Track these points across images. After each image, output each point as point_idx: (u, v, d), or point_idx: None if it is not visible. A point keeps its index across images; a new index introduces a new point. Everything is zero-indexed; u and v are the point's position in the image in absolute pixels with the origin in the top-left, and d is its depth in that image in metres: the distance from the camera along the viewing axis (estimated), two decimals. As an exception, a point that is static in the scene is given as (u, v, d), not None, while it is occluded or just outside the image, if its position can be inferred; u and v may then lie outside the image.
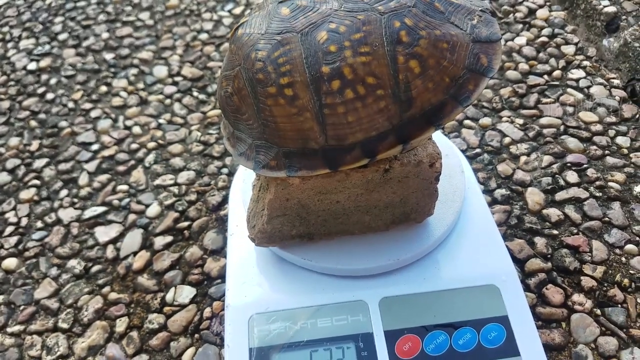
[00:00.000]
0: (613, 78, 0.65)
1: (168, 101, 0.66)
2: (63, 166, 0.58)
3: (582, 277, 0.44)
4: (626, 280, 0.44)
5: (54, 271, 0.48)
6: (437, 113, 0.31)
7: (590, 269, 0.45)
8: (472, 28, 0.32)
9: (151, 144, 0.60)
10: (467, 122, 0.60)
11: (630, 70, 0.65)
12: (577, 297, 0.43)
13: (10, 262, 0.49)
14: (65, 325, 0.44)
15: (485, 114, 0.61)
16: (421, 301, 0.39)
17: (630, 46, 0.65)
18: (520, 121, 0.60)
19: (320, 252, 0.40)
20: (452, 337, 0.37)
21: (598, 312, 0.42)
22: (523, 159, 0.55)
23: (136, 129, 0.62)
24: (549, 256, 0.46)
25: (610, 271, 0.45)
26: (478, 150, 0.57)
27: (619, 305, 0.42)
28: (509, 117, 0.61)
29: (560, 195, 0.51)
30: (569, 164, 0.54)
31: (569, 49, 0.69)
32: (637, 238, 0.47)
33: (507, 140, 0.58)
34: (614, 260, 0.46)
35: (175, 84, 0.69)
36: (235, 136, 0.36)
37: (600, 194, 0.51)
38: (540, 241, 0.47)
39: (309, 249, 0.40)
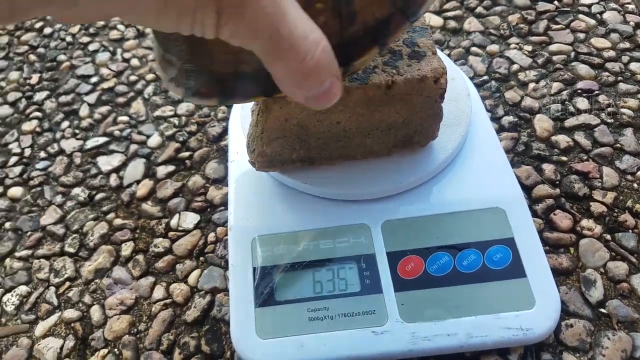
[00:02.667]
0: (627, 3, 0.60)
1: (168, 33, 0.63)
2: (63, 98, 0.56)
3: (591, 203, 0.42)
4: (638, 206, 0.42)
5: (58, 199, 0.47)
6: (383, 29, 0.27)
7: (600, 195, 0.43)
8: None
9: (150, 76, 0.57)
10: (474, 49, 0.57)
11: (647, -4, 0.60)
12: (586, 223, 0.41)
13: (16, 191, 0.48)
14: (71, 250, 0.43)
15: (493, 41, 0.58)
16: (424, 224, 0.37)
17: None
18: (529, 48, 0.56)
19: (321, 177, 0.38)
20: (455, 258, 0.36)
21: (608, 237, 0.41)
22: (531, 86, 0.52)
23: (134, 62, 0.59)
24: (557, 182, 0.44)
25: (621, 197, 0.43)
26: (485, 77, 0.53)
27: (630, 231, 0.41)
28: (517, 44, 0.57)
29: (570, 122, 0.48)
30: (579, 91, 0.51)
31: (583, -27, 0.64)
32: (648, 164, 0.45)
33: (515, 67, 0.54)
34: (625, 187, 0.43)
35: (175, 15, 0.65)
36: (165, 59, 0.31)
37: (612, 120, 0.48)
38: (548, 167, 0.45)
39: (310, 174, 0.39)
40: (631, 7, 0.60)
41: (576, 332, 0.36)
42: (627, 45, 0.55)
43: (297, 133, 0.35)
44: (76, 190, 0.47)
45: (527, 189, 0.44)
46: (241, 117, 0.43)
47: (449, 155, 0.39)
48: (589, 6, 0.60)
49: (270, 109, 0.33)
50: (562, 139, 0.47)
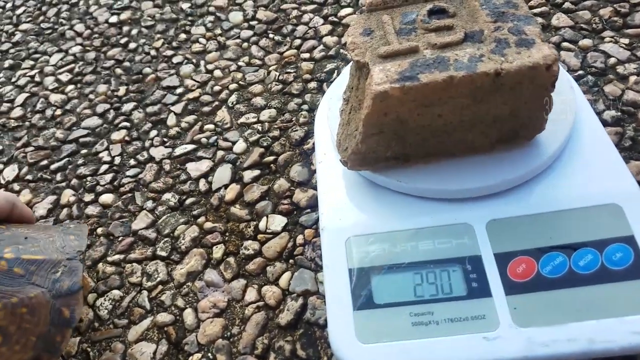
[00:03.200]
0: None
1: (245, 45, 0.63)
2: (150, 109, 0.58)
3: None
4: None
5: (149, 204, 0.48)
6: None
7: None
8: (54, 283, 0.34)
9: (232, 86, 0.58)
10: (565, 44, 0.53)
11: None
12: None
13: (107, 197, 0.49)
14: (163, 254, 0.43)
15: (585, 36, 0.54)
16: (534, 223, 0.34)
17: None
18: (626, 41, 0.52)
19: (416, 175, 0.37)
20: (571, 258, 0.33)
21: None
22: (632, 79, 0.48)
23: (217, 72, 0.60)
24: (672, 179, 0.40)
25: None
26: (580, 72, 0.50)
27: None
28: (612, 37, 0.53)
29: (680, 115, 0.44)
30: (687, 83, 0.47)
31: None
32: None
33: (612, 60, 0.50)
34: None
35: (251, 27, 0.66)
36: None
37: None
38: (659, 162, 0.41)
39: (405, 172, 0.37)
40: None
41: None
42: None
43: (394, 128, 0.34)
44: (166, 196, 0.48)
45: (639, 185, 0.40)
46: (328, 117, 0.42)
47: (557, 149, 0.36)
48: (689, -5, 0.56)
49: (369, 102, 0.32)
50: (674, 134, 0.43)
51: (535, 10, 0.58)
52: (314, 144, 0.46)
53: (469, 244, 0.34)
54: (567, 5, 0.58)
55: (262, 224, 0.43)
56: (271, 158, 0.49)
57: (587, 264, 0.32)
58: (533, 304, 0.31)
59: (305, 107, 0.54)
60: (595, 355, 0.30)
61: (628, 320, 0.30)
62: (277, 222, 0.43)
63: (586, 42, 0.53)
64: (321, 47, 0.60)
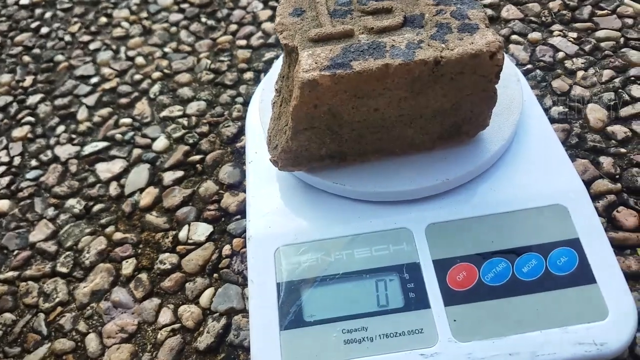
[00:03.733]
0: (678, -15, 0.57)
1: (174, 29, 0.60)
2: (60, 101, 0.54)
3: (659, 199, 0.39)
4: None
5: (50, 212, 0.44)
6: None
7: (669, 190, 0.39)
8: None
9: (156, 74, 0.55)
10: (514, 37, 0.54)
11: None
12: (655, 221, 0.37)
13: (2, 204, 0.45)
14: (64, 270, 0.40)
15: (534, 29, 0.54)
16: (475, 226, 0.34)
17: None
18: (574, 35, 0.53)
19: (354, 175, 0.35)
20: (514, 264, 0.32)
21: (679, 236, 0.37)
22: (580, 74, 0.49)
23: (139, 60, 0.57)
24: (617, 176, 0.40)
25: (690, 192, 0.39)
26: (529, 66, 0.50)
27: (703, 230, 0.37)
28: (560, 30, 0.54)
29: (625, 111, 0.45)
30: (632, 78, 0.48)
31: (624, -43, 0.61)
32: None
33: (560, 55, 0.51)
34: (694, 180, 0.40)
35: (181, 11, 0.63)
36: None
37: (674, 108, 0.45)
38: (606, 160, 0.41)
39: (341, 172, 0.35)
40: (682, -12, 0.57)
41: (658, 348, 0.32)
42: (682, 28, 0.52)
43: (327, 123, 0.32)
44: (71, 202, 0.44)
45: (584, 185, 0.40)
46: (260, 111, 0.40)
47: (501, 147, 0.35)
48: (636, -11, 0.57)
49: (298, 92, 0.30)
50: (619, 129, 0.44)
51: (485, 1, 0.58)
52: (246, 141, 0.43)
53: (407, 251, 0.33)
54: (516, -4, 0.58)
55: (182, 234, 0.40)
56: (198, 157, 0.46)
57: (531, 270, 0.32)
58: (474, 316, 0.31)
59: (239, 99, 0.52)
60: (539, 369, 0.30)
61: (572, 330, 0.30)
62: (201, 230, 0.40)
63: (535, 35, 0.53)
64: (260, 33, 0.58)
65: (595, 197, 0.39)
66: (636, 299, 0.34)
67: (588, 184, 0.40)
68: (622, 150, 0.42)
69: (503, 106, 0.37)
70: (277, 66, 0.43)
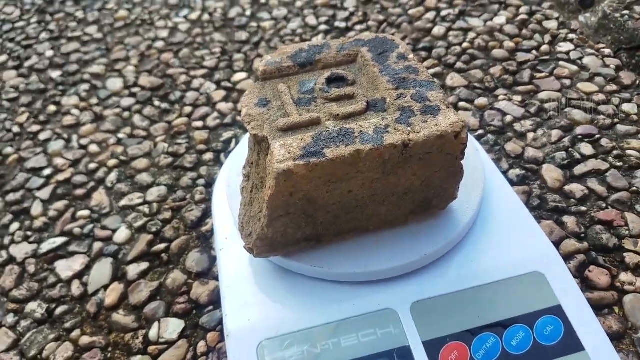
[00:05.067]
0: (603, 48, 0.62)
1: (127, 114, 0.59)
2: (11, 197, 0.50)
3: (624, 254, 0.40)
4: (672, 252, 0.39)
5: (10, 319, 0.40)
6: None
7: (632, 244, 0.40)
8: None
9: (112, 162, 0.53)
10: (461, 104, 0.56)
11: (614, 42, 0.62)
12: (625, 277, 0.38)
13: (-47, 315, 0.41)
14: (27, 385, 0.36)
15: (480, 94, 0.57)
16: (460, 301, 0.33)
17: (610, 18, 0.62)
18: (518, 98, 0.56)
19: (332, 257, 0.34)
20: (502, 338, 0.31)
21: (650, 290, 0.37)
22: (530, 135, 0.51)
23: (93, 147, 0.55)
24: (582, 235, 0.41)
25: (652, 244, 0.40)
26: (481, 131, 0.52)
27: (672, 280, 0.38)
28: (505, 94, 0.56)
29: (579, 169, 0.47)
30: (579, 136, 0.50)
31: (552, 24, 0.66)
32: (670, 206, 0.43)
33: (508, 118, 0.53)
34: (653, 233, 0.41)
35: (132, 95, 0.62)
36: None
37: (621, 163, 0.47)
38: (569, 220, 0.42)
39: (318, 254, 0.34)
40: (607, 51, 0.61)
41: (652, 411, 0.32)
42: (614, 87, 0.56)
43: (303, 208, 0.31)
44: (31, 306, 0.41)
45: (554, 246, 0.41)
46: (228, 196, 0.38)
47: (472, 216, 0.35)
48: (567, 53, 0.61)
49: (272, 182, 0.29)
50: (577, 188, 0.45)
51: (430, 72, 0.60)
52: (213, 225, 0.42)
53: (396, 334, 0.32)
54: (459, 65, 0.61)
55: (153, 332, 0.38)
56: (162, 246, 0.44)
57: (520, 343, 0.31)
58: (472, 398, 0.29)
59: (201, 181, 0.50)
60: None
61: (569, 403, 0.29)
62: (172, 327, 0.38)
63: (482, 100, 0.56)
64: (215, 114, 0.58)
65: (565, 257, 0.40)
66: None
67: (557, 245, 0.41)
68: (583, 208, 0.44)
69: (467, 176, 0.37)
70: (240, 148, 0.42)
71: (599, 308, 0.37)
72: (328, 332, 0.32)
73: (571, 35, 0.64)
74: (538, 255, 0.35)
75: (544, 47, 0.62)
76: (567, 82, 0.57)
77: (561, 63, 0.60)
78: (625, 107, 0.53)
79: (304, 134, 0.30)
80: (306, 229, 0.33)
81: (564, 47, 0.62)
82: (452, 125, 0.30)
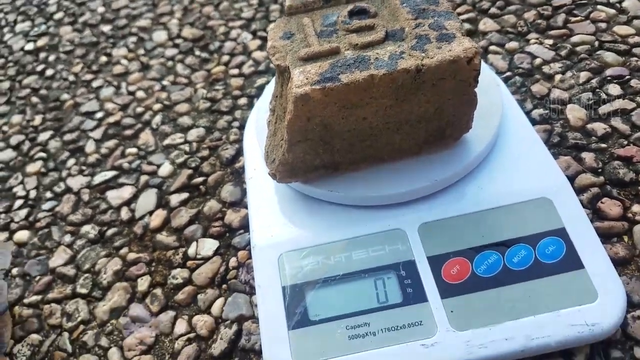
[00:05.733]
0: (646, -11, 0.60)
1: (170, 63, 0.63)
2: (68, 137, 0.56)
3: (639, 188, 0.40)
4: (688, 186, 0.40)
5: (67, 239, 0.46)
6: None
7: (649, 179, 0.41)
8: None
9: (157, 106, 0.57)
10: (492, 47, 0.56)
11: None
12: (638, 208, 0.39)
13: (22, 235, 0.47)
14: (84, 291, 0.41)
15: (511, 39, 0.57)
16: (465, 223, 0.35)
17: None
18: (550, 42, 0.55)
19: (347, 183, 0.37)
20: (504, 255, 0.34)
21: (662, 220, 0.38)
22: (558, 77, 0.51)
23: (140, 94, 0.59)
24: (599, 170, 0.42)
25: (669, 179, 0.41)
26: (508, 74, 0.52)
27: (685, 211, 0.38)
28: (537, 39, 0.56)
29: (604, 109, 0.47)
30: (609, 78, 0.50)
31: (593, -34, 0.64)
32: (696, 144, 0.43)
33: (538, 61, 0.53)
34: (672, 169, 0.41)
35: (176, 46, 0.66)
36: None
37: (648, 103, 0.47)
38: (588, 156, 0.43)
39: (335, 181, 0.37)
40: (650, -8, 0.59)
41: (648, 326, 0.33)
42: (652, 29, 0.54)
43: (320, 134, 0.34)
44: (86, 228, 0.46)
45: (569, 180, 0.42)
46: (256, 130, 0.42)
47: (485, 147, 0.37)
48: (606, -4, 0.60)
49: (291, 106, 0.32)
50: (599, 127, 0.45)
51: (463, 17, 0.60)
52: (244, 159, 0.46)
53: (402, 250, 0.34)
54: (493, 10, 0.61)
55: (191, 250, 0.42)
56: (200, 179, 0.48)
57: (521, 260, 0.33)
58: (470, 306, 0.32)
59: (235, 124, 0.54)
60: (535, 352, 0.31)
61: (563, 313, 0.31)
62: (208, 246, 0.42)
63: (512, 44, 0.56)
64: (250, 62, 0.61)
65: (579, 190, 0.41)
66: (625, 283, 0.36)
67: (572, 179, 0.42)
68: (603, 145, 0.44)
69: (484, 110, 0.39)
70: (269, 90, 0.45)
71: (607, 236, 0.38)
72: (341, 247, 0.35)
73: (613, -22, 0.62)
74: (548, 183, 0.36)
75: (583, -9, 0.61)
76: (603, 25, 0.56)
77: (599, 7, 0.59)
78: (662, 48, 0.52)
79: (323, 62, 0.33)
80: (324, 156, 0.36)
81: (604, -10, 0.61)
82: (466, 50, 0.32)
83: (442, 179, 0.36)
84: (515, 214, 0.35)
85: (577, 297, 0.32)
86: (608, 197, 0.40)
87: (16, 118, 0.60)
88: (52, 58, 0.68)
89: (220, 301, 0.39)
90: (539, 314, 0.31)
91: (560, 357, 0.33)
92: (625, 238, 0.38)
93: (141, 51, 0.66)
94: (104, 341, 0.38)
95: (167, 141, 0.53)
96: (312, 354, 0.31)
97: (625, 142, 0.44)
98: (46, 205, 0.49)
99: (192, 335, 0.37)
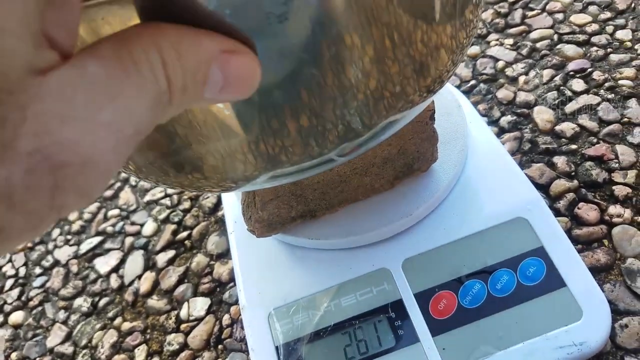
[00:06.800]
0: (598, -28, 0.60)
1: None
2: (49, 206, 0.56)
3: (613, 187, 0.41)
4: (662, 179, 0.40)
5: (61, 315, 0.46)
6: None
7: (621, 176, 0.41)
8: None
9: (133, 161, 0.57)
10: (453, 56, 0.56)
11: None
12: (614, 209, 0.39)
13: (17, 316, 0.47)
14: (84, 368, 0.42)
15: (472, 43, 0.57)
16: (447, 253, 0.35)
17: None
18: (510, 41, 0.56)
19: (326, 228, 0.37)
20: (488, 283, 0.34)
21: (639, 219, 0.39)
22: (522, 79, 0.51)
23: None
24: (573, 174, 0.42)
25: (642, 173, 0.41)
26: (473, 82, 0.53)
27: (661, 207, 0.39)
28: (497, 40, 0.56)
29: (570, 107, 0.47)
30: (571, 73, 0.50)
31: (544, -45, 0.64)
32: (664, 131, 0.43)
33: (500, 64, 0.53)
34: (644, 161, 0.42)
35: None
36: None
37: (613, 95, 0.47)
38: (560, 160, 0.43)
39: (314, 227, 0.37)
40: (602, -25, 0.59)
41: (633, 332, 0.33)
42: (608, 14, 0.55)
43: (290, 190, 0.34)
44: (78, 301, 0.46)
45: (543, 188, 0.42)
46: (230, 185, 0.42)
47: (454, 174, 0.37)
48: (559, -16, 0.60)
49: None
50: (567, 127, 0.46)
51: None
52: (224, 212, 0.46)
53: (389, 289, 0.35)
54: (449, 15, 0.61)
55: (183, 312, 0.42)
56: (185, 233, 0.48)
57: (504, 286, 0.33)
58: (460, 340, 0.32)
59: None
60: (530, 377, 0.31)
61: (552, 336, 0.31)
62: (200, 305, 0.42)
63: (474, 49, 0.56)
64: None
65: (555, 198, 0.41)
66: (610, 291, 0.36)
67: (546, 186, 0.42)
68: (573, 146, 0.44)
69: (449, 135, 0.39)
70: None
71: (588, 243, 0.38)
72: (329, 296, 0.35)
73: (564, -35, 0.62)
74: (521, 202, 0.37)
75: (536, -18, 0.61)
76: (560, 16, 0.56)
77: (553, -4, 0.59)
78: (619, 34, 0.52)
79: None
80: (298, 208, 0.36)
81: (557, -22, 0.61)
82: (417, 94, 0.32)
83: (417, 212, 0.36)
84: (493, 237, 0.35)
85: (562, 317, 0.32)
86: (584, 202, 0.40)
87: None
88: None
89: (218, 363, 0.39)
90: (527, 340, 0.32)
91: (556, 374, 0.33)
92: (606, 242, 0.38)
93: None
94: (111, 418, 0.39)
95: (147, 197, 0.53)
96: (314, 411, 0.32)
97: (595, 140, 0.44)
98: (37, 282, 0.49)
99: (196, 400, 0.37)
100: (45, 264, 0.50)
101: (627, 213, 0.39)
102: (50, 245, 0.52)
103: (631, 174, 0.41)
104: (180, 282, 0.44)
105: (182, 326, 0.41)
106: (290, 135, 0.22)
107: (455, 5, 0.24)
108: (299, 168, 0.26)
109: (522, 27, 0.57)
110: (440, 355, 0.32)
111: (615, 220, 0.39)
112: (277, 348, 0.34)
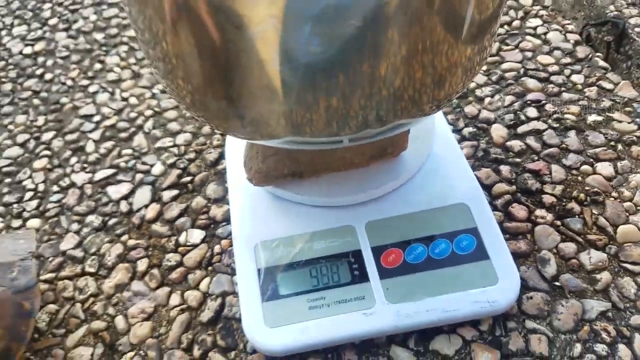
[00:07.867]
0: (568, 24, 0.70)
1: (160, 72, 0.70)
2: (69, 137, 0.63)
3: (543, 196, 0.50)
4: (582, 195, 0.50)
5: (74, 226, 0.53)
6: (7, 357, 0.40)
7: (550, 188, 0.51)
8: (12, 281, 0.42)
9: (148, 112, 0.64)
10: (436, 71, 0.65)
11: (585, 18, 0.70)
12: (540, 212, 0.49)
13: (34, 222, 0.54)
14: (92, 270, 0.49)
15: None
16: (401, 222, 0.45)
17: (583, -6, 0.70)
18: (484, 68, 0.65)
19: (310, 188, 0.46)
20: (429, 247, 0.43)
21: (558, 223, 0.48)
22: (487, 100, 0.61)
23: (132, 100, 0.67)
24: (513, 180, 0.52)
25: (568, 189, 0.51)
26: (447, 95, 0.62)
27: (577, 216, 0.48)
28: (474, 64, 0.66)
29: (521, 129, 0.57)
30: (529, 102, 0.60)
31: (527, 0, 0.74)
32: (591, 160, 0.53)
33: (472, 85, 0.63)
34: (571, 180, 0.52)
35: (165, 56, 0.73)
36: None
37: (558, 125, 0.57)
38: (504, 168, 0.53)
39: (300, 186, 0.46)
40: (571, 27, 0.70)
41: (535, 303, 0.43)
42: (568, 60, 0.65)
43: (287, 150, 0.43)
44: (90, 218, 0.54)
45: (487, 188, 0.52)
46: (237, 141, 0.50)
47: (418, 162, 0.46)
48: (535, 28, 0.70)
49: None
50: (516, 144, 0.56)
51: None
52: (226, 164, 0.54)
53: (352, 241, 0.44)
54: (439, 37, 0.70)
55: (182, 238, 0.50)
56: (188, 178, 0.56)
57: (441, 251, 0.43)
58: (401, 285, 0.41)
59: (218, 130, 0.62)
60: (448, 322, 0.41)
61: (471, 293, 0.41)
62: (196, 235, 0.50)
63: (454, 69, 0.65)
64: (231, 74, 0.69)
65: (495, 197, 0.51)
66: (524, 271, 0.46)
67: (490, 187, 0.52)
68: (518, 160, 0.54)
69: (420, 132, 0.48)
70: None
71: (515, 235, 0.48)
72: (305, 239, 0.44)
73: (542, 12, 0.72)
74: (466, 192, 0.46)
75: (516, 23, 0.71)
76: (529, 54, 0.66)
77: (527, 37, 0.69)
78: (574, 77, 0.62)
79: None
80: (291, 166, 0.45)
81: (533, 22, 0.71)
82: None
83: (384, 187, 0.45)
84: (440, 214, 0.45)
85: (482, 280, 0.41)
86: (517, 203, 0.50)
87: (20, 118, 0.67)
88: (49, 63, 0.74)
89: (207, 280, 0.47)
90: (452, 292, 0.41)
91: (470, 326, 0.42)
92: (529, 236, 0.48)
93: (132, 60, 0.73)
94: (111, 310, 0.46)
95: (158, 144, 0.61)
96: (281, 320, 0.40)
97: (536, 158, 0.54)
98: (54, 198, 0.56)
99: (184, 306, 0.46)
100: (62, 184, 0.58)
101: (549, 217, 0.49)
102: (68, 170, 0.59)
103: (559, 188, 0.51)
104: (181, 215, 0.53)
105: (180, 249, 0.50)
106: (319, 111, 0.28)
107: (479, 27, 0.28)
108: (314, 140, 0.33)
109: (496, 58, 0.66)
110: (383, 293, 0.41)
111: (539, 220, 0.49)
112: (259, 270, 0.43)
